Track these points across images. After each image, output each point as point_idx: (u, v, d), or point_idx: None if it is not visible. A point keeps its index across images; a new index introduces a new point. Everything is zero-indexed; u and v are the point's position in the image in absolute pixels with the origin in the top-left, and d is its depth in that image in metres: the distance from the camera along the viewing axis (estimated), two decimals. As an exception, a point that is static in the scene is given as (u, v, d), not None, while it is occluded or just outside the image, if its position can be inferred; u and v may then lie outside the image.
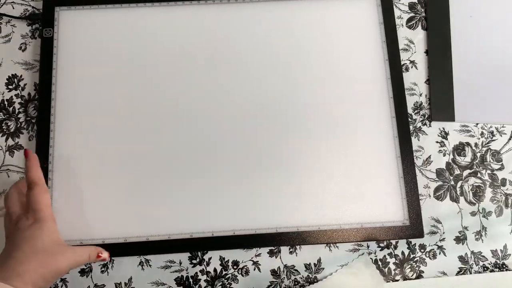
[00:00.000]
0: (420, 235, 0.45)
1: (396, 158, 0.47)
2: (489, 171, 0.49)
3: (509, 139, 0.50)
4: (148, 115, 0.48)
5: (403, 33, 0.52)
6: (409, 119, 0.49)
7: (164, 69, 0.49)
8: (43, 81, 0.48)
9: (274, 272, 0.45)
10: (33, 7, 0.52)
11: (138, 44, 0.50)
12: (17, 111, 0.49)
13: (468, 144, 0.49)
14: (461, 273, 0.46)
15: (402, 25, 0.53)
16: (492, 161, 0.49)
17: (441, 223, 0.47)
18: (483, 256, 0.47)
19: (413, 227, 0.45)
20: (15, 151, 0.48)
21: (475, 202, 0.48)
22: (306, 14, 0.51)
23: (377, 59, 0.50)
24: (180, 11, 0.51)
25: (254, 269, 0.45)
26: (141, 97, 0.48)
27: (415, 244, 0.47)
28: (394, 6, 0.52)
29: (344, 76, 0.50)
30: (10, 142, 0.49)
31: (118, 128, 0.48)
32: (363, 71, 0.50)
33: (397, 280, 0.46)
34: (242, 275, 0.45)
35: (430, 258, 0.46)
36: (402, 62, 0.51)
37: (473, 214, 0.48)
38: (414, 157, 0.48)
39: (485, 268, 0.47)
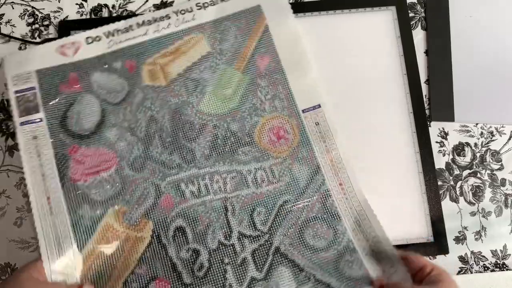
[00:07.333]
0: (445, 251, 0.46)
1: (418, 173, 0.47)
2: (488, 171, 0.49)
3: (509, 139, 0.50)
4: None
5: (403, 34, 0.52)
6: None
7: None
8: None
9: None
10: (32, 7, 0.52)
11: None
12: (17, 111, 0.49)
13: (467, 144, 0.49)
14: (462, 273, 0.46)
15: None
16: (491, 161, 0.49)
17: (441, 223, 0.47)
18: (483, 256, 0.47)
19: (438, 244, 0.46)
20: (15, 151, 0.48)
21: (474, 202, 0.48)
22: (323, 28, 0.51)
23: (396, 72, 0.50)
24: None
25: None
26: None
27: (415, 244, 0.47)
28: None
29: (360, 94, 0.49)
30: (10, 142, 0.49)
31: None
32: (381, 85, 0.50)
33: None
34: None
35: (430, 258, 0.46)
36: (402, 62, 0.51)
37: (472, 214, 0.48)
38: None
39: (486, 268, 0.47)
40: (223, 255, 0.42)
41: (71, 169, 0.44)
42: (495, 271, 0.47)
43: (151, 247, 0.42)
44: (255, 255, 0.42)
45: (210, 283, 0.42)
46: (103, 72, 0.47)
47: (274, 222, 0.43)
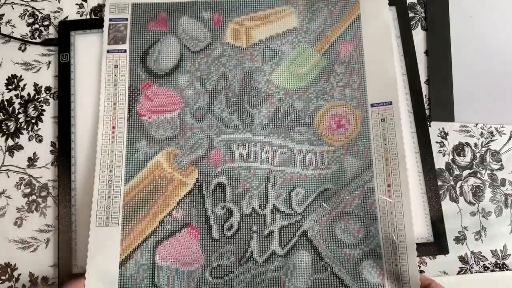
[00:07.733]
0: (445, 251, 0.45)
1: (418, 173, 0.47)
2: (488, 171, 0.49)
3: (509, 139, 0.50)
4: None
5: (402, 34, 0.52)
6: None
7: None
8: (61, 107, 0.48)
9: None
10: (32, 7, 0.52)
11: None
12: (17, 111, 0.49)
13: (467, 144, 0.50)
14: (462, 273, 0.46)
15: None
16: (491, 161, 0.49)
17: (441, 223, 0.47)
18: (483, 256, 0.47)
19: (438, 244, 0.45)
20: (15, 151, 0.48)
21: (474, 202, 0.48)
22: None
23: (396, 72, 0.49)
24: None
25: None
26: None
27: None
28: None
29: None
30: (10, 142, 0.49)
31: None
32: None
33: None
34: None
35: (430, 258, 0.47)
36: (402, 62, 0.51)
37: (472, 214, 0.48)
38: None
39: (486, 268, 0.47)
40: (253, 222, 0.44)
41: (139, 104, 0.46)
42: (495, 271, 0.47)
43: (192, 194, 0.44)
44: (282, 231, 0.43)
45: (234, 244, 0.43)
46: (191, 18, 0.48)
47: (309, 206, 0.44)
